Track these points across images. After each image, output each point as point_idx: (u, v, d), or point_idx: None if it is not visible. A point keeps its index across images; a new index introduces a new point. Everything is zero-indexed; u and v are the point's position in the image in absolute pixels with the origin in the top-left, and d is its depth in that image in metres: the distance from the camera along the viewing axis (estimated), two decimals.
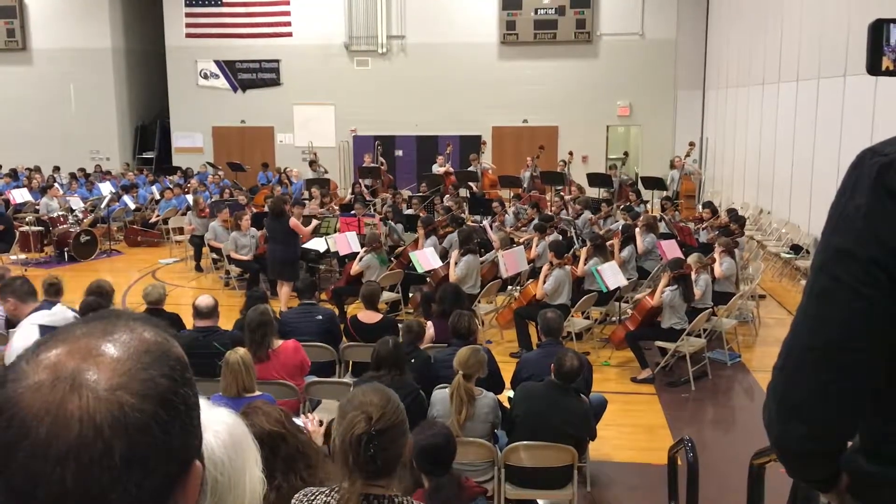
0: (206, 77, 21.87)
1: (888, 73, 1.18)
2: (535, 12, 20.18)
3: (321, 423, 3.21)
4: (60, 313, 6.39)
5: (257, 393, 4.87)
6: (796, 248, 11.81)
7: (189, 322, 6.83)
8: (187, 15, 21.62)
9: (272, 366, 5.61)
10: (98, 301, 6.25)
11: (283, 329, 6.52)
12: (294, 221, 10.18)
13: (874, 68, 1.19)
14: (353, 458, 2.07)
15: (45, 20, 22.05)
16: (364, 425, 2.06)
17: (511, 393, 5.78)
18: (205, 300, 6.09)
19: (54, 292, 7.02)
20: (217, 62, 21.76)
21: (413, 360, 5.60)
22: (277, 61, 21.50)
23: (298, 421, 3.04)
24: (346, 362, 6.87)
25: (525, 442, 4.76)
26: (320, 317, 6.94)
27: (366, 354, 6.09)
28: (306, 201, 14.41)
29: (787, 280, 11.98)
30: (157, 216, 15.67)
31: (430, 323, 6.84)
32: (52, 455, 0.76)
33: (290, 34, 21.26)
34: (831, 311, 1.09)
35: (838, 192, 1.12)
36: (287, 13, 21.19)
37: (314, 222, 11.05)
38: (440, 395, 4.95)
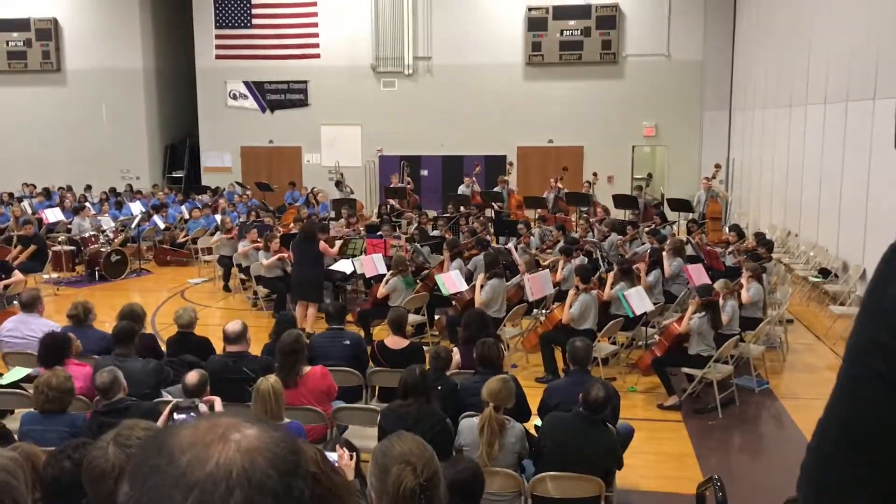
0: (235, 98, 22.19)
1: None
2: (561, 33, 20.27)
3: (352, 457, 3.25)
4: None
5: (286, 420, 4.93)
6: (825, 272, 11.71)
7: (217, 345, 6.93)
8: (217, 37, 21.98)
9: (300, 392, 5.67)
10: (131, 325, 6.36)
11: (312, 354, 6.59)
12: (323, 245, 10.33)
13: None
14: None
15: (79, 42, 22.53)
16: (412, 477, 2.11)
17: (538, 421, 5.80)
18: (234, 326, 6.17)
19: (78, 320, 7.15)
20: (246, 83, 22.08)
21: (440, 388, 5.63)
22: (305, 82, 21.76)
23: (331, 455, 3.08)
24: (372, 387, 6.91)
25: (552, 472, 4.77)
26: (348, 342, 7.00)
27: (393, 380, 6.12)
28: (332, 222, 14.54)
29: (816, 304, 11.87)
30: (186, 236, 15.87)
31: (455, 349, 6.88)
32: (184, 483, 0.90)
33: (318, 56, 21.53)
34: (868, 403, 1.09)
35: (872, 280, 1.13)
36: (315, 35, 21.48)
37: (338, 243, 11.14)
38: (467, 424, 4.97)
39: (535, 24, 20.35)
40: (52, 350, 5.91)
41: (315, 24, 21.47)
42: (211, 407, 2.65)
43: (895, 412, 1.06)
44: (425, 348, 7.51)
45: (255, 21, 21.79)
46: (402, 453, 2.15)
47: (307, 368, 5.84)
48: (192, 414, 2.60)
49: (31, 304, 7.42)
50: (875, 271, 1.12)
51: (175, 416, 2.58)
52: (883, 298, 1.08)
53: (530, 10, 20.32)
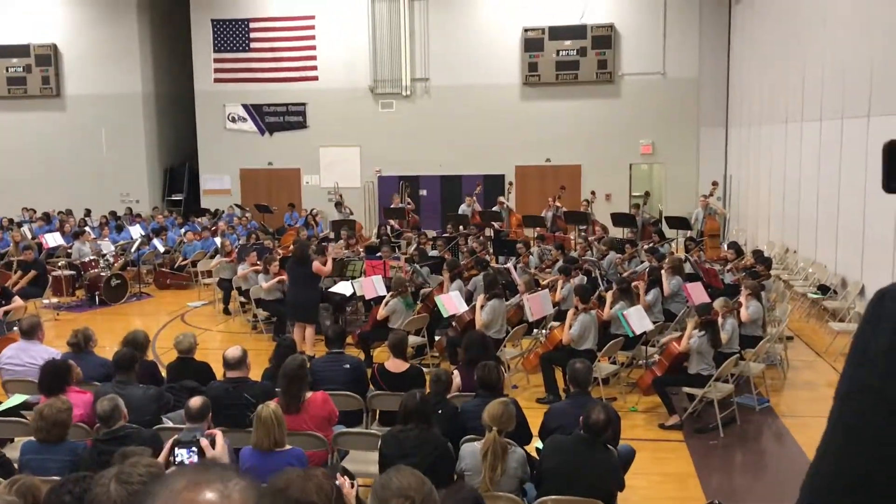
0: (233, 120, 22.30)
1: None
2: (557, 53, 20.42)
3: (352, 485, 3.26)
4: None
5: (287, 447, 4.93)
6: (824, 289, 11.73)
7: (217, 368, 6.93)
8: (216, 60, 22.13)
9: (302, 418, 5.67)
10: (132, 352, 6.36)
11: (312, 378, 6.58)
12: (317, 265, 10.33)
13: (889, 187, 1.23)
14: None
15: (78, 67, 22.67)
16: None
17: (539, 443, 5.79)
18: (234, 352, 6.18)
19: (78, 348, 7.17)
20: (245, 106, 22.20)
21: (441, 412, 5.63)
22: (304, 104, 21.89)
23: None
24: (373, 411, 6.90)
25: (554, 497, 4.76)
26: (348, 365, 7.00)
27: (393, 403, 6.12)
28: (331, 243, 14.55)
29: (815, 320, 11.88)
30: (183, 260, 15.88)
31: (456, 371, 6.88)
32: None
33: (316, 78, 21.67)
34: (858, 450, 1.10)
35: (860, 325, 1.14)
36: (313, 57, 21.63)
37: (330, 262, 11.02)
38: (469, 448, 4.97)
39: (532, 44, 20.50)
40: (53, 378, 5.91)
41: (313, 47, 21.63)
42: (212, 441, 2.65)
43: (886, 461, 1.07)
44: (425, 370, 7.52)
45: (253, 44, 21.95)
46: (401, 487, 2.16)
47: (308, 394, 5.84)
48: (193, 449, 2.60)
49: (31, 331, 7.43)
50: (863, 316, 1.14)
51: (176, 450, 2.59)
52: (870, 344, 1.10)
53: (526, 30, 20.48)
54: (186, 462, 2.60)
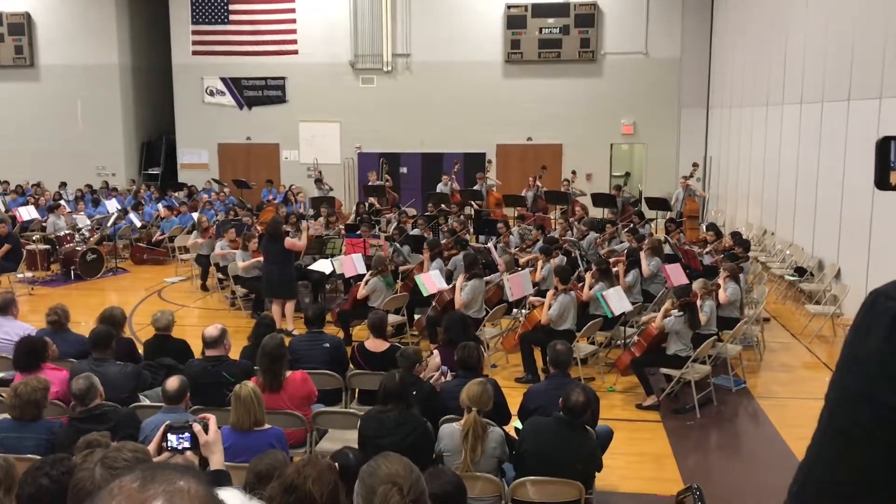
0: (212, 94, 22.00)
1: None
2: (540, 31, 20.31)
3: None
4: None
5: (267, 426, 4.92)
6: (801, 271, 11.84)
7: (195, 344, 6.89)
8: (194, 32, 21.77)
9: (281, 397, 5.65)
10: (108, 330, 6.30)
11: (291, 357, 6.56)
12: (289, 241, 10.32)
13: (882, 184, 1.23)
14: None
15: (53, 37, 22.21)
16: (399, 498, 2.10)
17: (518, 423, 5.82)
18: (212, 331, 6.13)
19: (59, 325, 7.10)
20: (223, 79, 21.89)
21: (416, 393, 5.62)
22: (283, 79, 21.63)
23: None
24: (352, 390, 6.90)
25: (532, 477, 4.79)
26: (328, 344, 6.98)
27: (373, 382, 6.13)
28: (310, 220, 14.44)
29: (792, 302, 12.00)
30: (160, 235, 15.71)
31: (436, 351, 6.88)
32: None
33: (296, 52, 21.40)
34: (849, 455, 1.08)
35: (851, 329, 1.13)
36: (293, 31, 21.35)
37: (304, 235, 11.01)
38: (448, 429, 4.97)
39: (515, 21, 20.37)
40: (28, 355, 5.85)
41: (293, 20, 21.33)
42: (205, 427, 2.63)
43: (878, 466, 1.06)
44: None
45: (232, 17, 21.60)
46: (389, 474, 2.14)
47: (288, 373, 5.82)
48: (187, 435, 2.58)
49: (6, 307, 7.33)
50: (855, 319, 1.12)
51: (169, 435, 2.56)
52: (861, 349, 1.08)
53: (509, 7, 20.34)
54: (179, 448, 2.58)
